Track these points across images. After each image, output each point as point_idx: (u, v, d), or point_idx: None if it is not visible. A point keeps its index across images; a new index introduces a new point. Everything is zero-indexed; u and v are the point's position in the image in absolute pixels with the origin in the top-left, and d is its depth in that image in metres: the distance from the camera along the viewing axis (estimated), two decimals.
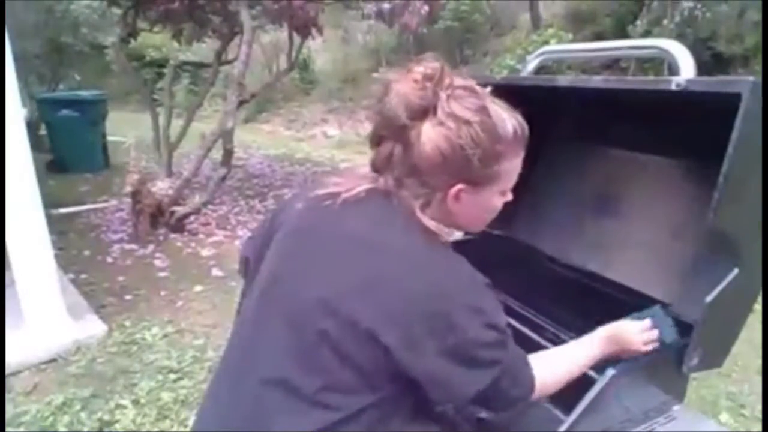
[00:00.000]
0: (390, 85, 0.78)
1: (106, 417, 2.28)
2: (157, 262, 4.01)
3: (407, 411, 0.85)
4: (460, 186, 0.78)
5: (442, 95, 0.76)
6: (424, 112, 0.75)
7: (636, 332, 0.98)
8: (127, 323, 3.09)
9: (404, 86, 0.76)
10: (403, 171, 0.78)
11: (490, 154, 0.78)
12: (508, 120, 0.81)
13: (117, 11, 5.49)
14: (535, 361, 0.88)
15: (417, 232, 0.79)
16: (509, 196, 0.89)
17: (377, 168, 0.82)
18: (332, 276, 0.78)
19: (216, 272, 3.79)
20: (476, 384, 0.77)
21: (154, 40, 10.26)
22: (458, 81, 0.79)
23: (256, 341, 0.83)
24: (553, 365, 0.94)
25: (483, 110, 0.77)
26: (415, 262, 0.77)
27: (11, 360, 2.56)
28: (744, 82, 0.81)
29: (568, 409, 0.89)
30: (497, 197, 0.86)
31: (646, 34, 6.89)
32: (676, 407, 1.10)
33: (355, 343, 0.74)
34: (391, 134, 0.78)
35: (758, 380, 2.60)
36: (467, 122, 0.75)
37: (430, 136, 0.75)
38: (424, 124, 0.75)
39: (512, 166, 0.84)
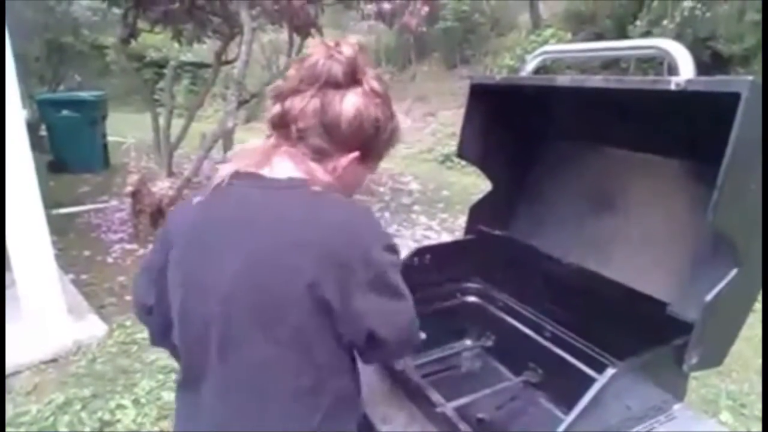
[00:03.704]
0: (325, 47, 0.82)
1: (107, 417, 2.29)
2: None
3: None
4: (356, 154, 0.85)
5: (368, 71, 0.85)
6: (356, 80, 0.83)
7: None
8: (128, 323, 3.09)
9: (349, 51, 0.82)
10: (311, 125, 0.81)
11: (389, 133, 0.89)
12: (399, 120, 0.92)
13: (117, 12, 5.50)
14: None
15: (303, 187, 0.81)
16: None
17: (279, 120, 0.84)
18: (239, 256, 0.78)
19: None
20: (407, 312, 0.83)
21: (155, 41, 10.25)
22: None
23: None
24: None
25: (389, 97, 0.88)
26: (320, 214, 0.79)
27: (11, 360, 2.56)
28: (743, 81, 0.81)
29: (568, 408, 0.89)
30: (368, 173, 0.94)
31: (646, 34, 6.89)
32: (676, 406, 1.10)
33: (295, 308, 0.75)
34: (313, 90, 0.81)
35: (758, 379, 2.60)
36: (383, 101, 0.85)
37: (355, 101, 0.82)
38: (350, 90, 0.82)
39: (388, 150, 0.93)
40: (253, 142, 0.89)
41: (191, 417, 0.87)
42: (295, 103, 0.82)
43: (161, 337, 0.92)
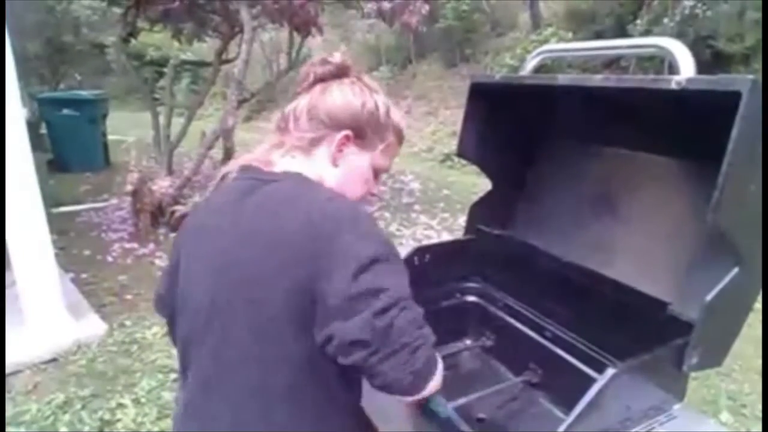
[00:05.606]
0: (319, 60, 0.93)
1: (107, 416, 2.29)
2: (158, 261, 4.01)
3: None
4: (348, 132, 0.88)
5: (359, 72, 0.93)
6: (340, 74, 0.91)
7: None
8: (128, 322, 3.09)
9: (338, 56, 0.92)
10: (303, 115, 0.89)
11: (380, 122, 0.91)
12: (399, 113, 0.96)
13: (117, 11, 5.50)
14: None
15: (291, 178, 0.85)
16: (378, 184, 0.99)
17: (280, 122, 0.93)
18: (220, 250, 0.82)
19: None
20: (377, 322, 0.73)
21: (155, 40, 10.27)
22: None
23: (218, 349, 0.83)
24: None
25: (381, 93, 0.93)
26: (290, 205, 0.80)
27: (12, 359, 2.56)
28: (743, 80, 0.81)
29: (567, 408, 0.89)
30: (371, 170, 0.95)
31: (647, 32, 6.89)
32: (676, 406, 1.09)
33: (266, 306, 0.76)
34: (303, 88, 0.92)
35: (758, 379, 2.60)
36: (372, 90, 0.92)
37: (340, 87, 0.89)
38: (336, 82, 0.90)
39: (388, 148, 0.95)
40: (267, 139, 0.96)
41: (179, 412, 0.90)
42: (292, 105, 0.92)
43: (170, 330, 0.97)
